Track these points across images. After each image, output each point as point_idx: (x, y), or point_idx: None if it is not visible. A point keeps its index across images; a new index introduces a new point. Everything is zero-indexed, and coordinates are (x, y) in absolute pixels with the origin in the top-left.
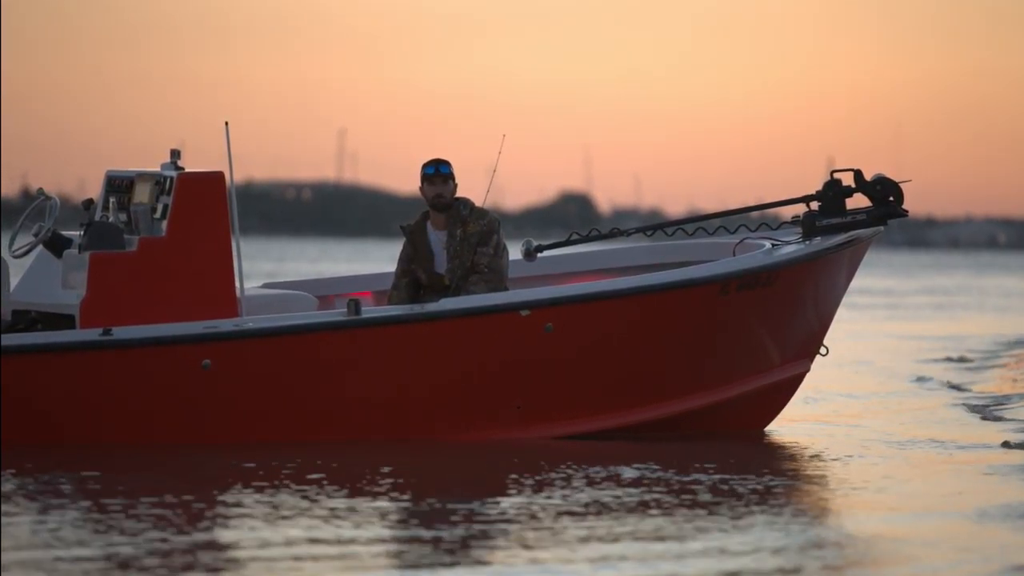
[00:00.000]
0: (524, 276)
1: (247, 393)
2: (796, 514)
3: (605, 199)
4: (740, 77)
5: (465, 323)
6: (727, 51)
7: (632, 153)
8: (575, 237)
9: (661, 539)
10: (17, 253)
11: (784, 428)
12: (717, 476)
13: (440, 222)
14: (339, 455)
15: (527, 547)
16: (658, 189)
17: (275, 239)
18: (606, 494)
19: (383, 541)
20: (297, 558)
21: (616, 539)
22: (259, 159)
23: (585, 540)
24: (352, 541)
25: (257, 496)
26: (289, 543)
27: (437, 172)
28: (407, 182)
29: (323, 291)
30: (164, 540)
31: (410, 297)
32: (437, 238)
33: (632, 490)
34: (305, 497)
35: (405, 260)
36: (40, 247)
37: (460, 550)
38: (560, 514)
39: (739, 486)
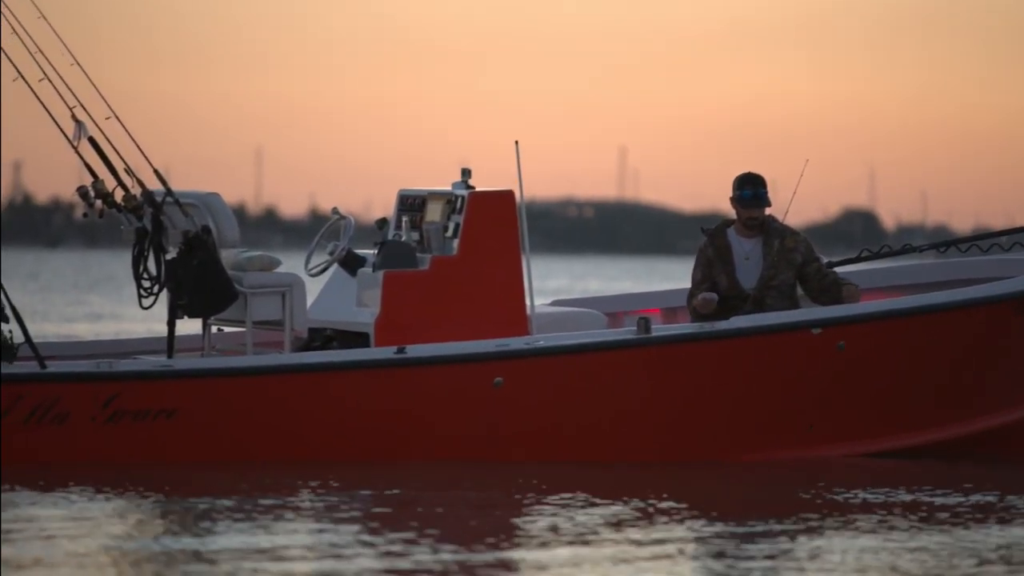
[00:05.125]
0: None
1: (538, 411)
2: None
3: (890, 215)
4: None
5: (756, 341)
6: (1014, 63)
7: (918, 168)
8: (865, 254)
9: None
10: (313, 272)
11: None
12: (1013, 501)
13: (747, 231)
14: (623, 475)
15: (816, 570)
16: (945, 204)
17: (558, 257)
18: (898, 516)
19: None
20: None
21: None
22: (541, 177)
23: (867, 569)
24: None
25: (546, 518)
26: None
27: (755, 197)
28: (689, 200)
29: (612, 308)
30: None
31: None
32: (741, 246)
33: (926, 513)
34: (590, 524)
35: (705, 266)
36: (335, 266)
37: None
38: (852, 537)
39: None
